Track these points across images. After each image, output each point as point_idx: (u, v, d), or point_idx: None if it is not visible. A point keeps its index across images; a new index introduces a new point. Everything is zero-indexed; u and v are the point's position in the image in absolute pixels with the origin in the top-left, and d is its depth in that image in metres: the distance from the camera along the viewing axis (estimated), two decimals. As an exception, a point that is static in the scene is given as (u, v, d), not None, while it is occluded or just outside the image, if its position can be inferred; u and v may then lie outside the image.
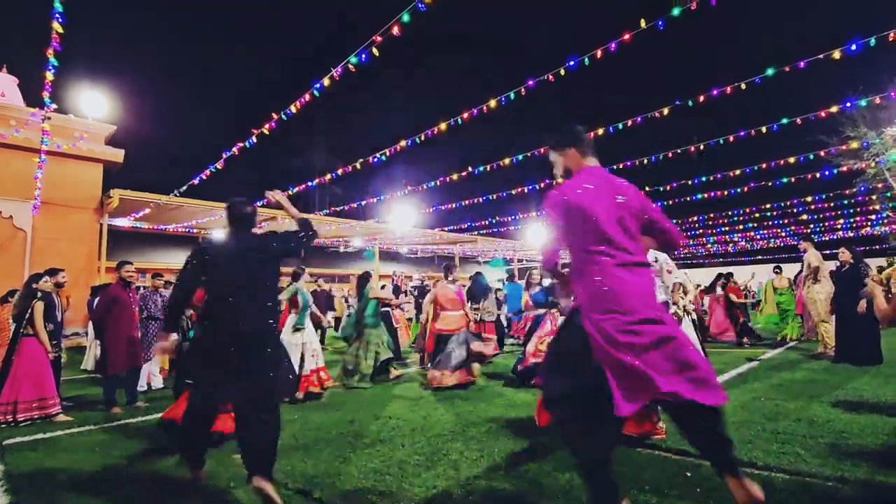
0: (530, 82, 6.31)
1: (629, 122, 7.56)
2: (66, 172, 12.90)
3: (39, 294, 4.86)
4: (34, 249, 12.33)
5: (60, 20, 4.76)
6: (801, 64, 5.76)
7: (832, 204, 16.64)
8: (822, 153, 10.24)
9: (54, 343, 4.94)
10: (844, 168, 12.52)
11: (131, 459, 3.46)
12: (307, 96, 6.20)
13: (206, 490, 2.80)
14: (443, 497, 2.60)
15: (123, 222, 15.80)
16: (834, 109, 7.29)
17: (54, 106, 6.54)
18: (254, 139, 7.26)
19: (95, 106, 14.37)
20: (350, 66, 5.34)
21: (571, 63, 5.72)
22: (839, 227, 21.42)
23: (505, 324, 10.11)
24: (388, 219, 18.54)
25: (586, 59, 5.64)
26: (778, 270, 10.40)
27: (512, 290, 9.93)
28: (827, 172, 11.53)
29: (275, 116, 6.70)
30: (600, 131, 7.94)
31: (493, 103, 6.79)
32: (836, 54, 5.43)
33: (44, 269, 5.32)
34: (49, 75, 5.57)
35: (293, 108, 6.50)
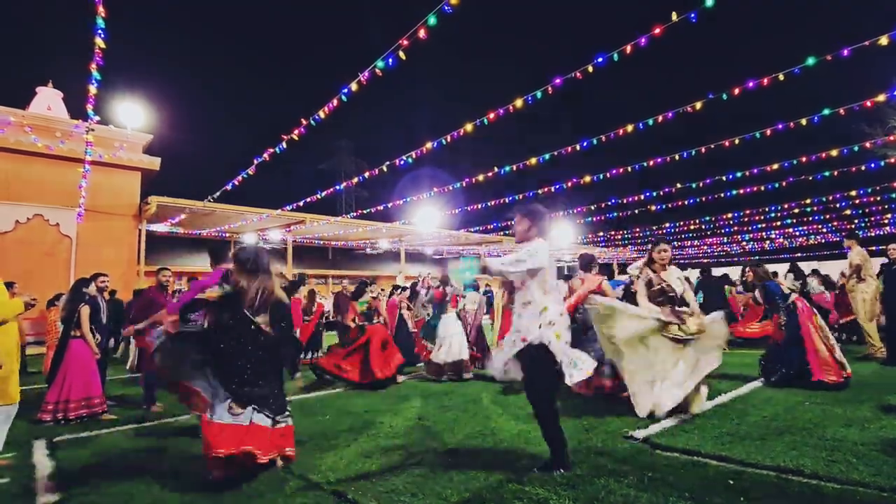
0: (557, 80, 6.21)
1: (660, 118, 7.35)
2: (107, 181, 13.48)
3: (87, 297, 5.10)
4: (79, 255, 12.94)
5: (103, 36, 4.97)
6: (845, 51, 5.47)
7: (878, 198, 15.72)
8: (867, 144, 9.71)
9: (99, 344, 5.16)
10: (892, 160, 11.82)
11: (172, 456, 3.58)
12: (335, 101, 6.29)
13: (249, 485, 2.87)
14: (475, 500, 2.59)
15: (160, 227, 16.40)
16: (880, 98, 6.89)
17: (97, 118, 6.84)
18: (283, 145, 7.41)
19: (132, 116, 14.99)
20: (377, 71, 5.38)
21: (600, 59, 5.60)
22: (886, 221, 20.28)
23: None
24: (413, 220, 18.64)
25: (615, 55, 5.51)
26: None
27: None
28: (872, 165, 10.97)
29: (304, 122, 6.81)
30: (629, 128, 7.76)
31: (519, 103, 6.72)
32: (884, 40, 5.14)
33: (88, 273, 5.58)
34: (92, 89, 5.83)
35: (321, 114, 6.60)
